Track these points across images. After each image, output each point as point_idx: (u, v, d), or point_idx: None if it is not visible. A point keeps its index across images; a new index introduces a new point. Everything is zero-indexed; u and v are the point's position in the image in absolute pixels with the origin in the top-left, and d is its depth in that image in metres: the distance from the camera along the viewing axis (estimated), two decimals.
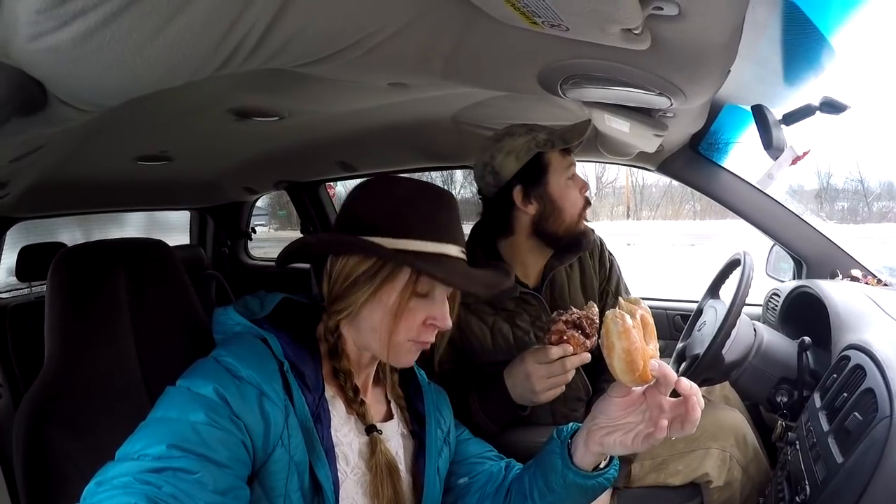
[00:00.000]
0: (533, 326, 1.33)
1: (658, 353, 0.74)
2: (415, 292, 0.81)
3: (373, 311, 0.82)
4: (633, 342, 0.70)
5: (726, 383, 1.43)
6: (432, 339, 0.85)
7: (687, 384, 0.72)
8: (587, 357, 1.09)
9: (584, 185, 1.33)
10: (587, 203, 1.33)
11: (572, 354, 1.08)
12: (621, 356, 0.70)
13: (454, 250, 0.85)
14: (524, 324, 1.33)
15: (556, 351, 1.08)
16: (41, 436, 0.89)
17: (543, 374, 1.10)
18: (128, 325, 1.01)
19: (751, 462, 1.29)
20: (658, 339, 0.80)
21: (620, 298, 0.76)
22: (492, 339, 1.31)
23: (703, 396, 0.75)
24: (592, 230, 1.38)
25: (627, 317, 0.72)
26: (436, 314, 0.83)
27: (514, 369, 1.16)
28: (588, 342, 1.08)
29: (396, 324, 0.81)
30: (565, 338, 1.08)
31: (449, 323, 0.84)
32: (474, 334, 1.30)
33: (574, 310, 1.11)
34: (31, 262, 2.27)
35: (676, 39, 0.74)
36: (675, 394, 0.75)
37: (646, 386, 0.76)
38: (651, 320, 0.76)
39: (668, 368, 0.72)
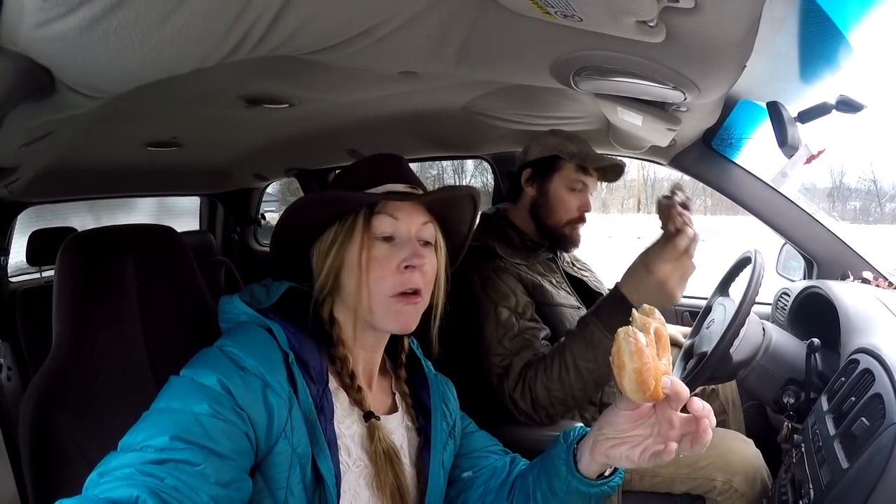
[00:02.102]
0: (561, 288, 1.51)
1: (671, 368, 0.70)
2: (374, 237, 0.82)
3: (347, 276, 0.82)
4: (646, 362, 0.66)
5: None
6: (418, 285, 0.82)
7: (699, 405, 0.69)
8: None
9: (585, 205, 1.51)
10: (581, 218, 1.51)
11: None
12: (632, 376, 0.67)
13: (399, 186, 0.86)
14: (555, 282, 1.49)
15: (683, 242, 1.06)
16: (47, 420, 0.90)
17: (677, 274, 1.08)
18: (135, 312, 1.01)
19: (758, 495, 1.30)
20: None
21: (634, 311, 0.73)
22: (530, 292, 1.42)
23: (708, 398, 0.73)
24: (575, 241, 1.53)
25: (640, 335, 0.68)
26: (405, 254, 0.81)
27: (637, 279, 1.14)
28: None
29: (365, 277, 0.81)
30: (685, 220, 1.03)
31: (422, 259, 0.82)
32: (511, 288, 1.39)
33: (677, 192, 1.08)
34: (41, 247, 2.28)
35: (692, 33, 0.73)
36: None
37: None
38: (665, 332, 0.72)
39: (680, 385, 0.68)
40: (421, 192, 0.88)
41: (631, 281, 1.17)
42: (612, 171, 1.52)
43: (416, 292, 0.83)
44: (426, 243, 0.86)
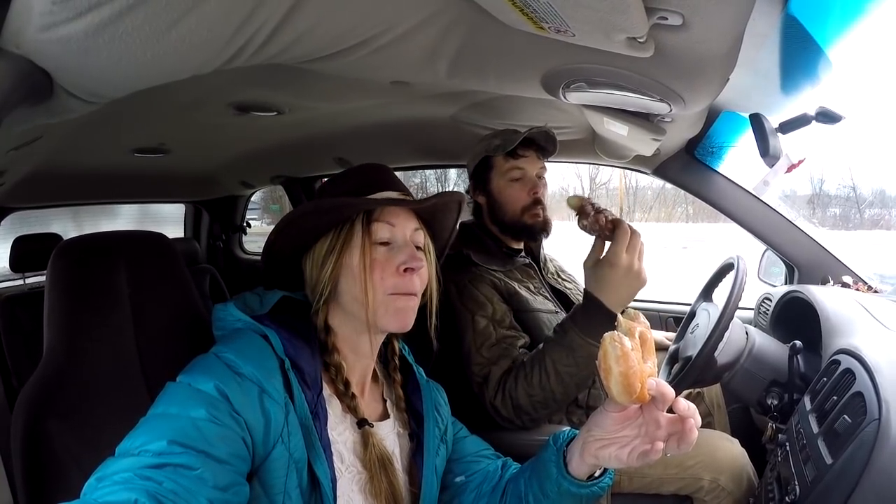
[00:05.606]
0: (539, 294, 1.49)
1: (657, 370, 0.72)
2: (373, 242, 0.84)
3: (347, 281, 0.84)
4: (631, 366, 0.68)
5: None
6: (416, 288, 0.86)
7: (684, 405, 0.71)
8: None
9: (533, 188, 1.49)
10: (536, 202, 1.49)
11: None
12: (618, 380, 0.68)
13: (393, 194, 0.89)
14: (533, 288, 1.50)
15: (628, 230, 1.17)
16: (40, 428, 0.89)
17: (635, 256, 1.17)
18: (128, 318, 1.01)
19: (744, 493, 1.32)
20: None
21: (620, 316, 0.75)
22: (507, 299, 1.42)
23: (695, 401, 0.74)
24: (544, 227, 1.52)
25: (626, 340, 0.69)
26: (404, 258, 0.84)
27: (605, 279, 1.19)
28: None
29: (369, 279, 0.82)
30: (607, 217, 1.20)
31: (420, 262, 0.85)
32: (487, 297, 1.40)
33: (585, 205, 1.22)
34: (25, 253, 2.24)
35: (679, 48, 0.76)
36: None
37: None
38: (650, 336, 0.74)
39: (666, 387, 0.70)
40: (411, 198, 0.91)
41: (599, 283, 1.20)
42: (549, 144, 1.51)
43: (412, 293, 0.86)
44: (418, 248, 0.88)
